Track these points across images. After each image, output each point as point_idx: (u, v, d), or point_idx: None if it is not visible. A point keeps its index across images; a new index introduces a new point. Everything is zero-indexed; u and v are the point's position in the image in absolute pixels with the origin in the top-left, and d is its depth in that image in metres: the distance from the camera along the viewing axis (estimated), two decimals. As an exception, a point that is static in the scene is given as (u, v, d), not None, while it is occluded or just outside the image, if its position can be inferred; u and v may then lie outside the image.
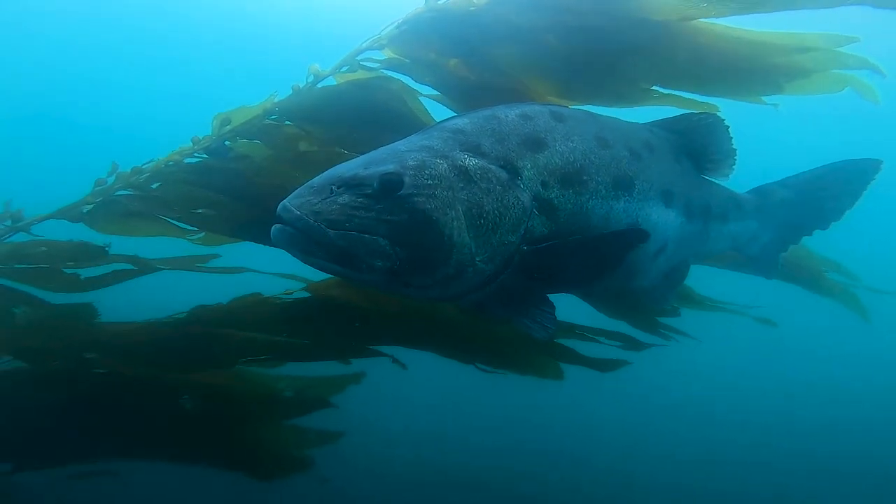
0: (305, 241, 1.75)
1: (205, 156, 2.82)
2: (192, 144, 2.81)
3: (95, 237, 2.95)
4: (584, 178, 2.04)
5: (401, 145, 1.97)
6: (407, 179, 1.78)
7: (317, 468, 3.95)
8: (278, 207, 1.79)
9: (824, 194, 2.98)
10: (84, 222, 2.84)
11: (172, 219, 2.91)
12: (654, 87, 2.94)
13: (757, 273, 3.17)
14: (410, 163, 1.82)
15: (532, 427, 7.98)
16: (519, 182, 1.92)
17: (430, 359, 3.66)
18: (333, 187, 1.79)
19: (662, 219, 2.31)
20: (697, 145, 2.54)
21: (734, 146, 2.58)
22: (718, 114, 2.57)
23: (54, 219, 2.78)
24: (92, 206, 2.79)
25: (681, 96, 2.93)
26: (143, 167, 2.81)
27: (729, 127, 2.54)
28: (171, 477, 3.98)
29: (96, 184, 2.80)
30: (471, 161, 1.89)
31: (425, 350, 3.60)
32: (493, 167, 1.90)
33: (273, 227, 1.79)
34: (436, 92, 2.98)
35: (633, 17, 2.71)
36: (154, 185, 2.82)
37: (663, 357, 3.90)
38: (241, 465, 3.72)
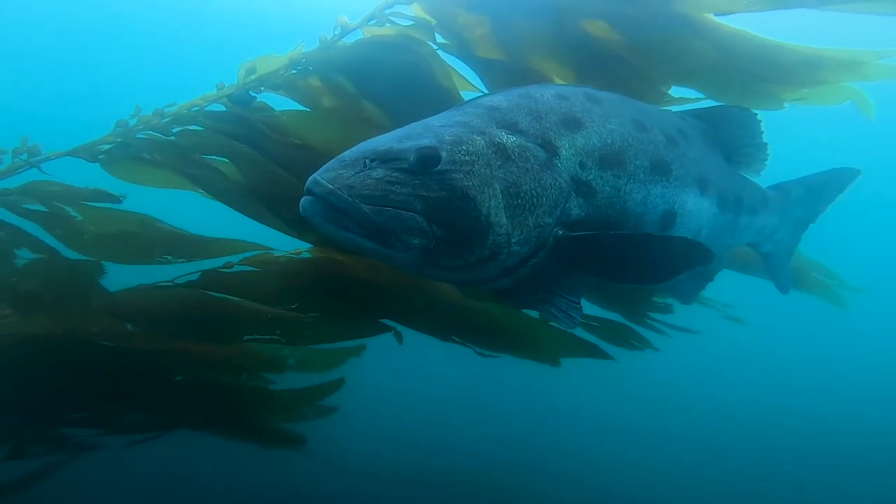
0: (338, 215, 1.69)
1: (228, 104, 2.81)
2: (216, 91, 2.79)
3: (110, 185, 2.91)
4: (623, 160, 1.99)
5: (434, 120, 1.91)
6: (444, 154, 1.72)
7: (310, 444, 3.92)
8: (308, 180, 1.72)
9: (821, 197, 3.09)
10: (101, 164, 2.79)
11: (188, 172, 2.88)
12: (669, 91, 2.95)
13: (770, 276, 3.19)
14: (447, 137, 1.76)
15: (522, 419, 7.96)
16: (557, 162, 1.87)
17: (427, 345, 3.62)
18: (367, 161, 1.73)
19: (697, 207, 2.27)
20: (729, 137, 2.53)
21: (766, 140, 2.58)
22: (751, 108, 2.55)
23: (71, 156, 2.73)
24: (111, 145, 2.74)
25: (690, 100, 2.94)
26: (165, 110, 2.78)
27: (761, 121, 2.54)
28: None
29: (117, 125, 2.77)
30: (508, 138, 1.83)
31: (421, 331, 3.56)
32: (530, 145, 1.85)
33: (303, 200, 1.72)
34: (458, 60, 3.01)
35: (659, 9, 2.76)
36: (175, 129, 2.79)
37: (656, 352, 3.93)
38: (238, 435, 3.63)
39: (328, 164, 1.77)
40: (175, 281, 3.12)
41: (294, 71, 2.84)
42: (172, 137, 2.79)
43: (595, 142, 1.96)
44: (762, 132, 2.57)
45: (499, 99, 1.98)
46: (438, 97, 2.91)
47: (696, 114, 2.51)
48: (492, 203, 1.73)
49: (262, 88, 2.83)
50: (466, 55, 3.01)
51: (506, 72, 3.00)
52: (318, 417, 3.78)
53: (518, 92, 2.03)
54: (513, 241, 1.78)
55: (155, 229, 3.06)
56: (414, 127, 1.87)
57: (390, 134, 1.86)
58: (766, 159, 2.63)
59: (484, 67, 3.04)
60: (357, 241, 1.72)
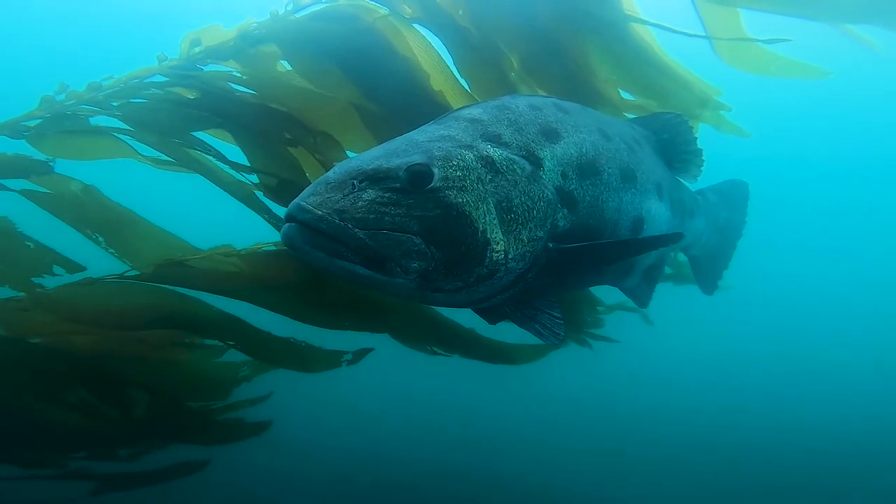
0: (330, 243, 1.56)
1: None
2: (157, 63, 2.59)
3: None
4: (598, 169, 2.01)
5: (418, 135, 1.85)
6: (436, 171, 1.65)
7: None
8: (290, 206, 1.59)
9: (733, 206, 3.23)
10: (27, 140, 2.53)
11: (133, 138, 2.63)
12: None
13: (696, 278, 3.27)
14: (437, 153, 1.70)
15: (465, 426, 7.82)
16: (541, 174, 1.85)
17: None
18: (355, 182, 1.62)
19: (658, 211, 2.32)
20: (669, 143, 2.60)
21: (700, 146, 2.66)
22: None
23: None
24: (40, 119, 2.49)
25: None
26: (102, 84, 2.55)
27: (693, 128, 2.64)
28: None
29: (42, 100, 2.52)
30: (495, 151, 1.79)
31: (379, 332, 3.41)
32: (516, 157, 1.82)
33: (286, 228, 1.58)
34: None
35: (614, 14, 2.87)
36: (114, 104, 2.55)
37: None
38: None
39: (311, 187, 1.64)
40: (125, 274, 2.82)
41: (245, 43, 2.66)
42: (115, 112, 2.55)
43: (573, 151, 1.96)
44: (696, 138, 2.66)
45: (478, 111, 1.95)
46: (401, 68, 2.83)
47: (640, 122, 2.60)
48: (487, 219, 1.69)
49: (209, 60, 2.64)
50: (436, 20, 2.90)
51: (468, 42, 2.95)
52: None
53: (494, 104, 2.01)
54: (510, 257, 1.73)
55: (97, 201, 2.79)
56: (398, 143, 1.80)
57: (373, 151, 1.77)
58: (702, 165, 2.71)
59: (451, 33, 2.95)
60: (352, 270, 1.59)
